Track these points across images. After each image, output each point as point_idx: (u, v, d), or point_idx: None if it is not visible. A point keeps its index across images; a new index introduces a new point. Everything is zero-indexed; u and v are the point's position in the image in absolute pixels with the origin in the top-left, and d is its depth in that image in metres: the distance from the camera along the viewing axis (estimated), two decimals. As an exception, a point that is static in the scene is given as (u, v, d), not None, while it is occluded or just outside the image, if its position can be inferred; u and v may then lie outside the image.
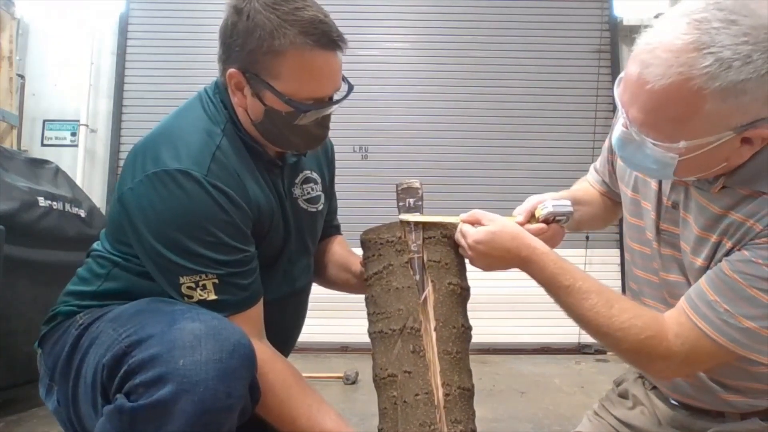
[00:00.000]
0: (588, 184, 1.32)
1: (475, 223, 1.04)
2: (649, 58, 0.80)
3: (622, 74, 0.87)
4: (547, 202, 1.09)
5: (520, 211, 1.10)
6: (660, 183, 1.03)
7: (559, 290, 0.97)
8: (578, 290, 0.95)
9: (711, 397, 1.02)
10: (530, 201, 1.11)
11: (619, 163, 1.15)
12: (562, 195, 1.17)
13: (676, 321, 0.91)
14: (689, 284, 0.97)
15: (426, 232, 1.07)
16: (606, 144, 1.25)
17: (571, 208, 1.10)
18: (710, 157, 0.84)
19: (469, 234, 1.02)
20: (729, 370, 0.97)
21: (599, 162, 1.29)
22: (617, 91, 0.89)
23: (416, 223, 1.07)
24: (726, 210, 0.90)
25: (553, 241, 1.08)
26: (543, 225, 1.07)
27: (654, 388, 1.15)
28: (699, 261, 0.94)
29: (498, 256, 1.01)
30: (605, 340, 0.95)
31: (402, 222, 1.07)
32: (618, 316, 0.92)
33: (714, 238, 0.91)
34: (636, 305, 0.98)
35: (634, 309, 0.95)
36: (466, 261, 1.08)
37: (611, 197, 1.28)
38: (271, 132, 1.09)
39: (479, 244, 1.01)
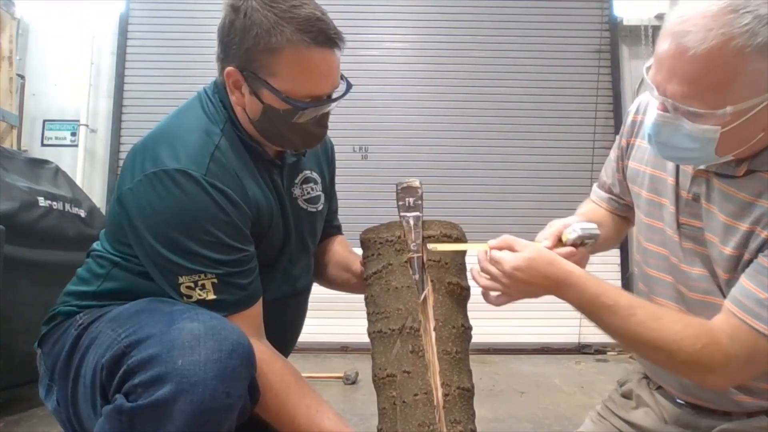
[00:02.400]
0: (594, 205, 1.31)
1: (506, 249, 1.00)
2: (685, 28, 0.81)
3: (649, 63, 0.88)
4: (575, 225, 1.06)
5: (546, 236, 1.07)
6: (677, 178, 1.03)
7: (602, 311, 0.94)
8: (622, 308, 0.93)
9: (721, 398, 1.02)
10: (554, 225, 1.09)
11: (631, 166, 1.15)
12: (564, 219, 1.15)
13: (727, 325, 0.89)
14: (713, 277, 0.96)
15: (426, 231, 1.07)
16: (612, 155, 1.25)
17: (598, 231, 1.08)
18: (751, 127, 0.84)
19: (505, 261, 0.97)
20: None
21: (605, 174, 1.28)
22: (649, 76, 0.89)
23: (416, 222, 1.07)
24: (755, 197, 0.90)
25: (580, 265, 1.04)
26: (572, 248, 1.04)
27: (659, 388, 1.15)
28: (728, 250, 0.93)
29: (536, 283, 0.97)
30: (659, 355, 0.92)
31: (401, 218, 1.07)
32: (669, 328, 0.90)
33: (745, 226, 0.91)
34: (682, 314, 0.96)
35: (683, 319, 0.93)
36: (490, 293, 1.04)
37: (619, 213, 1.27)
38: (270, 130, 1.09)
39: (518, 271, 0.96)
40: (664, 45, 0.85)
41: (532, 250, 0.98)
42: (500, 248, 1.00)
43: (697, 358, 0.88)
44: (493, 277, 1.00)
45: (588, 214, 1.25)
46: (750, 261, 0.90)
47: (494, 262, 1.00)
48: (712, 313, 0.94)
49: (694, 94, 0.82)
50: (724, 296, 0.95)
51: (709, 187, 0.97)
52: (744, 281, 0.89)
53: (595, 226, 1.08)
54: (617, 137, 1.22)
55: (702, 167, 0.98)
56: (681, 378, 1.05)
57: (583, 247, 1.06)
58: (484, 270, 1.02)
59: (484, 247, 1.03)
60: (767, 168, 0.89)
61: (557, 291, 0.97)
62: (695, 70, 0.81)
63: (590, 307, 0.95)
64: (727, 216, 0.93)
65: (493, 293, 1.03)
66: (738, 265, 0.93)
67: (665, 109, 0.88)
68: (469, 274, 1.07)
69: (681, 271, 1.02)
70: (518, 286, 0.98)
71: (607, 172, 1.27)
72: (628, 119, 1.18)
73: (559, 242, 1.06)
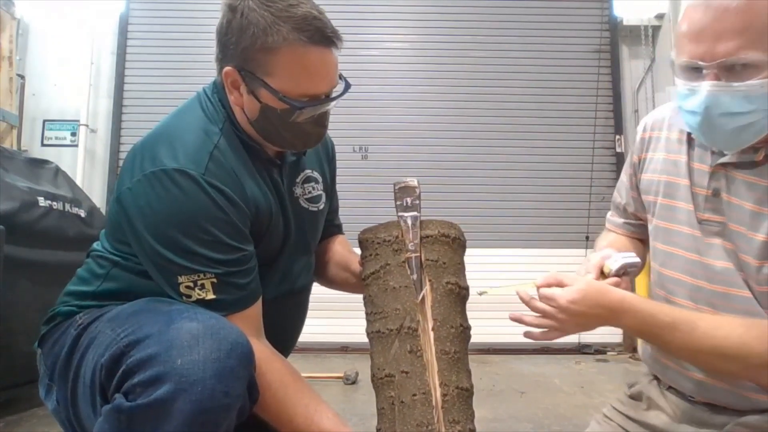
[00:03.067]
0: (613, 234, 1.31)
1: (555, 285, 0.99)
2: None
3: (672, 55, 0.92)
4: (615, 256, 1.06)
5: (589, 269, 1.07)
6: (691, 178, 1.04)
7: (663, 330, 0.93)
8: (682, 323, 0.92)
9: (736, 398, 1.01)
10: (593, 259, 1.09)
11: (644, 178, 1.17)
12: (601, 251, 1.15)
13: None
14: (738, 270, 0.97)
15: (424, 231, 1.06)
16: (623, 176, 1.26)
17: (638, 259, 1.08)
18: None
19: (559, 296, 0.97)
20: None
21: (619, 197, 1.28)
22: (687, 55, 0.91)
23: (414, 222, 1.06)
24: None
25: None
26: (617, 279, 1.04)
27: (669, 387, 1.14)
28: (760, 236, 0.94)
29: (593, 314, 0.96)
30: (732, 364, 0.91)
31: (399, 217, 1.07)
32: (732, 333, 0.90)
33: None
34: (735, 317, 0.95)
35: (740, 321, 0.92)
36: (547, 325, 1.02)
37: (636, 236, 1.28)
38: (268, 130, 1.09)
39: (574, 305, 0.95)
40: (697, 20, 0.88)
41: (582, 282, 0.99)
42: (548, 285, 1.00)
43: None
44: (546, 315, 0.99)
45: (615, 244, 1.24)
46: None
47: (546, 299, 0.99)
48: (733, 306, 0.95)
49: (749, 42, 0.85)
50: (749, 288, 0.96)
51: (728, 180, 0.99)
52: None
53: (634, 254, 1.09)
54: (627, 157, 1.25)
55: (721, 161, 1.00)
56: (702, 377, 1.04)
57: (627, 276, 1.06)
58: (536, 310, 1.01)
59: (530, 285, 1.03)
60: None
61: (613, 318, 0.97)
62: (742, 19, 0.84)
63: (650, 329, 0.95)
64: (753, 204, 0.95)
65: (544, 329, 1.02)
66: None
67: (716, 78, 0.89)
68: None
69: (703, 266, 1.03)
70: (574, 319, 0.97)
71: (621, 193, 1.28)
72: (637, 137, 1.20)
73: (602, 275, 1.06)
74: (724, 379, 1.01)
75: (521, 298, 1.04)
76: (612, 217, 1.32)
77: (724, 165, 1.00)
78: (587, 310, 0.96)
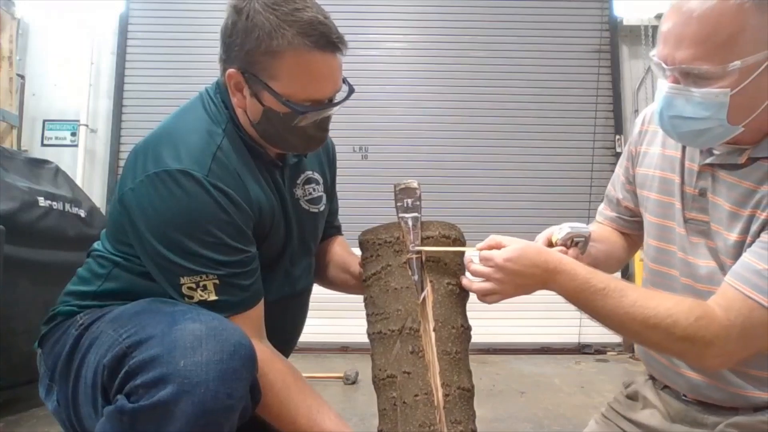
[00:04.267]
0: (600, 226, 1.32)
1: (495, 247, 1.01)
2: None
3: (653, 52, 0.94)
4: (563, 225, 1.09)
5: (537, 239, 1.09)
6: (682, 176, 1.06)
7: (595, 295, 0.95)
8: (614, 290, 0.94)
9: (728, 395, 1.02)
10: (544, 232, 1.12)
11: (639, 172, 1.17)
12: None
13: (722, 297, 0.91)
14: (720, 269, 0.98)
15: (425, 232, 1.07)
16: (618, 170, 1.27)
17: (588, 230, 1.09)
18: (756, 91, 0.88)
19: (496, 255, 0.98)
20: (762, 360, 0.97)
21: (613, 189, 1.29)
22: (656, 55, 0.93)
23: (415, 223, 1.07)
24: (757, 185, 0.94)
25: None
26: (563, 248, 1.06)
27: (665, 387, 1.15)
28: (733, 236, 0.96)
29: (528, 273, 0.97)
30: (655, 333, 0.92)
31: (400, 218, 1.07)
32: (662, 304, 0.92)
33: (747, 212, 0.94)
34: (673, 294, 0.98)
35: (674, 296, 0.96)
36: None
37: (626, 230, 1.29)
38: (270, 133, 1.09)
39: (509, 262, 0.97)
40: (668, 22, 0.91)
41: (521, 242, 1.00)
42: (489, 248, 1.01)
43: (694, 331, 0.89)
44: (486, 276, 1.01)
45: (596, 232, 1.26)
46: (752, 243, 0.93)
47: (485, 260, 1.01)
48: None
49: (703, 54, 0.87)
50: None
51: (714, 180, 1.00)
52: (745, 257, 0.91)
53: (585, 226, 1.10)
54: (624, 149, 1.26)
55: (708, 161, 1.01)
56: (678, 361, 1.06)
57: (575, 247, 1.08)
58: (475, 273, 1.02)
59: (472, 249, 1.04)
60: (767, 155, 0.93)
61: (549, 279, 0.98)
62: (701, 30, 0.86)
63: (582, 293, 0.96)
64: (732, 204, 0.97)
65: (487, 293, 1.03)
66: (742, 251, 0.95)
67: (675, 81, 0.92)
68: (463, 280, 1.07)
69: (688, 264, 1.04)
70: (511, 278, 0.98)
71: (615, 186, 1.29)
72: (635, 130, 1.21)
73: (550, 245, 1.08)
74: (711, 374, 1.02)
75: (466, 264, 1.05)
76: (604, 211, 1.33)
77: (711, 165, 1.01)
78: (523, 269, 0.97)
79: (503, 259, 0.97)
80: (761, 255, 0.89)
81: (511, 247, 0.99)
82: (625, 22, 4.33)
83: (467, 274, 1.05)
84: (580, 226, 1.09)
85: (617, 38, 4.34)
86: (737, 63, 0.85)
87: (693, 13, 0.87)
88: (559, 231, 1.08)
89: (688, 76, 0.90)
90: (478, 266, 1.01)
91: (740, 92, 0.88)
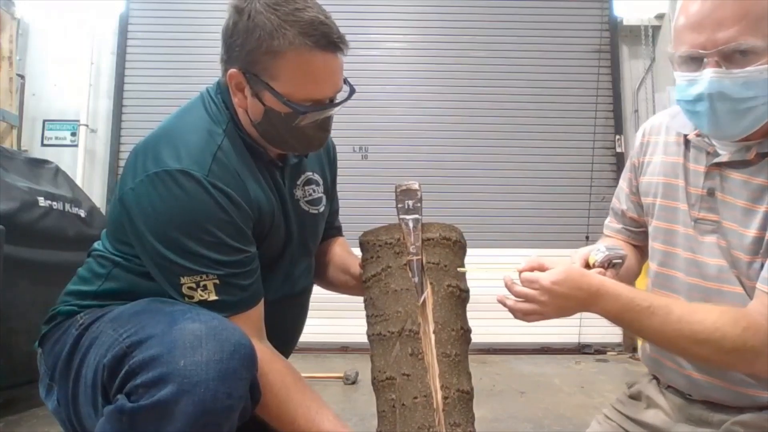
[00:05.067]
0: (609, 239, 1.32)
1: (537, 269, 1.01)
2: None
3: (670, 48, 0.95)
4: (600, 246, 1.09)
5: (574, 260, 1.09)
6: (686, 179, 1.07)
7: (641, 314, 0.95)
8: (659, 307, 0.94)
9: (734, 395, 1.03)
10: (579, 252, 1.11)
11: (643, 181, 1.18)
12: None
13: (761, 305, 0.91)
14: (731, 267, 0.99)
15: (425, 234, 1.07)
16: (622, 183, 1.28)
17: (624, 252, 1.09)
18: None
19: (542, 278, 0.98)
20: None
21: (618, 202, 1.30)
22: (687, 44, 0.93)
23: (415, 225, 1.07)
24: None
25: None
26: (601, 269, 1.06)
27: (668, 387, 1.15)
28: (751, 232, 0.96)
29: (573, 296, 0.98)
30: (705, 348, 0.92)
31: (401, 220, 1.07)
32: (707, 317, 0.92)
33: (763, 208, 0.95)
34: (710, 305, 0.98)
35: (717, 308, 0.95)
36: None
37: (634, 242, 1.29)
38: (271, 133, 1.09)
39: (556, 285, 0.97)
40: (693, 10, 0.91)
41: (564, 265, 1.00)
42: (531, 269, 1.01)
43: (742, 343, 0.89)
44: (528, 298, 1.00)
45: (608, 242, 1.26)
46: None
47: (528, 282, 1.00)
48: (727, 303, 0.96)
49: (748, 29, 0.87)
50: (742, 285, 0.98)
51: (723, 179, 1.02)
52: None
53: (620, 247, 1.11)
54: (627, 162, 1.27)
55: (716, 161, 1.02)
56: (705, 371, 1.05)
57: (612, 269, 1.07)
58: (519, 294, 1.02)
59: (511, 270, 1.04)
60: None
61: (593, 302, 0.98)
62: (740, 6, 0.87)
63: (628, 314, 0.96)
64: (745, 201, 0.98)
65: (529, 313, 1.03)
66: (761, 247, 0.96)
67: (717, 65, 0.91)
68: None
69: (696, 264, 1.05)
70: (556, 301, 0.98)
71: (620, 199, 1.29)
72: (637, 142, 1.23)
73: (587, 266, 1.08)
74: (717, 374, 1.03)
75: (504, 283, 1.05)
76: (610, 223, 1.33)
77: (718, 165, 1.02)
78: (568, 292, 0.97)
79: (551, 282, 0.97)
80: None
81: (557, 270, 0.99)
82: (625, 22, 4.33)
83: (506, 292, 1.04)
84: (616, 248, 1.09)
85: (617, 38, 4.34)
86: None
87: None
88: (597, 252, 1.07)
89: (731, 57, 0.90)
90: (522, 289, 1.01)
91: None
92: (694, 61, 0.94)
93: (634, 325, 0.97)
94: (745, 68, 0.89)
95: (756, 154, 0.97)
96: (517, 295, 1.02)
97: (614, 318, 0.99)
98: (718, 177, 1.02)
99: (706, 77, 0.92)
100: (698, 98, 0.95)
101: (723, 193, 1.02)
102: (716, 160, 1.02)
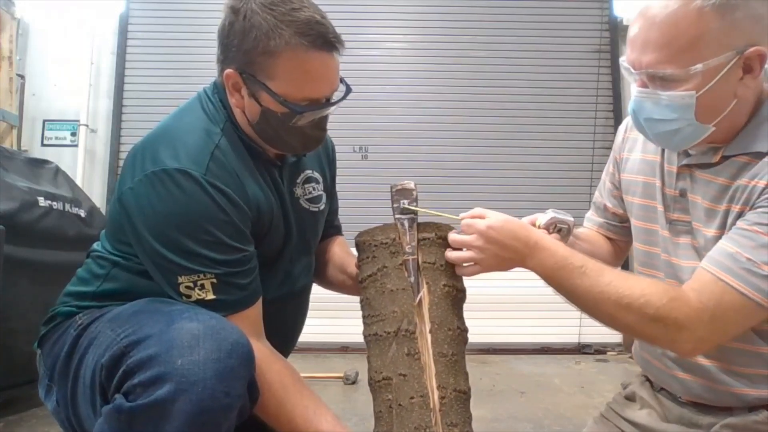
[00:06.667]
0: (587, 229, 1.34)
1: (479, 218, 1.02)
2: (648, 4, 0.90)
3: (622, 59, 0.96)
4: (548, 211, 1.11)
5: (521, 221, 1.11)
6: (663, 179, 1.07)
7: (573, 273, 0.96)
8: (592, 269, 0.96)
9: (720, 395, 1.03)
10: (528, 217, 1.13)
11: (624, 178, 1.19)
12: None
13: (695, 281, 0.92)
14: None
15: (421, 233, 1.07)
16: (604, 176, 1.30)
17: (571, 219, 1.11)
18: (722, 92, 0.91)
19: (480, 222, 1.00)
20: (744, 357, 0.99)
21: (600, 195, 1.32)
22: (625, 60, 0.96)
23: (411, 225, 1.06)
24: (730, 180, 0.96)
25: None
26: (545, 231, 1.08)
27: (661, 389, 1.16)
28: (711, 231, 0.98)
29: (510, 246, 0.99)
30: (628, 313, 0.92)
31: (396, 220, 1.07)
32: (637, 285, 0.93)
33: (722, 207, 0.96)
34: (647, 278, 1.00)
35: (648, 279, 0.98)
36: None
37: (612, 236, 1.30)
38: (268, 133, 1.10)
39: (491, 230, 0.98)
40: (634, 28, 0.93)
41: (504, 215, 1.02)
42: (472, 217, 1.03)
43: (666, 312, 0.89)
44: (466, 245, 1.02)
45: (578, 230, 1.28)
46: None
47: (467, 227, 1.02)
48: None
49: (667, 58, 0.89)
50: None
51: (692, 180, 1.02)
52: (720, 243, 0.93)
53: (569, 215, 1.12)
54: (610, 156, 1.30)
55: (685, 162, 1.03)
56: (657, 349, 1.08)
57: (557, 233, 1.10)
58: (455, 242, 1.04)
59: (456, 218, 1.05)
60: (739, 153, 0.95)
61: (529, 254, 0.99)
62: (663, 35, 0.89)
63: (561, 271, 0.97)
64: (709, 201, 0.99)
65: (466, 263, 1.05)
66: None
67: (643, 85, 0.94)
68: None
69: (672, 266, 1.06)
70: (492, 248, 0.99)
71: (602, 193, 1.31)
72: (619, 137, 1.24)
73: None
74: (699, 373, 1.04)
75: (449, 236, 1.06)
76: (592, 216, 1.35)
77: (688, 165, 1.03)
78: (505, 240, 0.99)
79: (486, 226, 0.99)
80: (734, 240, 0.90)
81: (495, 217, 1.01)
82: (625, 22, 4.31)
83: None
84: (562, 213, 1.12)
85: (617, 38, 4.33)
86: (699, 66, 0.88)
87: (656, 19, 0.89)
88: (543, 216, 1.10)
89: (654, 80, 0.92)
90: (459, 236, 1.03)
91: (706, 94, 0.90)
92: (630, 74, 0.96)
93: (564, 284, 0.97)
94: (667, 91, 0.91)
95: (721, 156, 0.98)
96: (453, 242, 1.03)
97: (548, 275, 0.99)
98: (689, 177, 1.03)
99: (633, 94, 0.96)
100: (630, 111, 1.00)
101: (693, 194, 1.02)
102: (685, 161, 1.03)
